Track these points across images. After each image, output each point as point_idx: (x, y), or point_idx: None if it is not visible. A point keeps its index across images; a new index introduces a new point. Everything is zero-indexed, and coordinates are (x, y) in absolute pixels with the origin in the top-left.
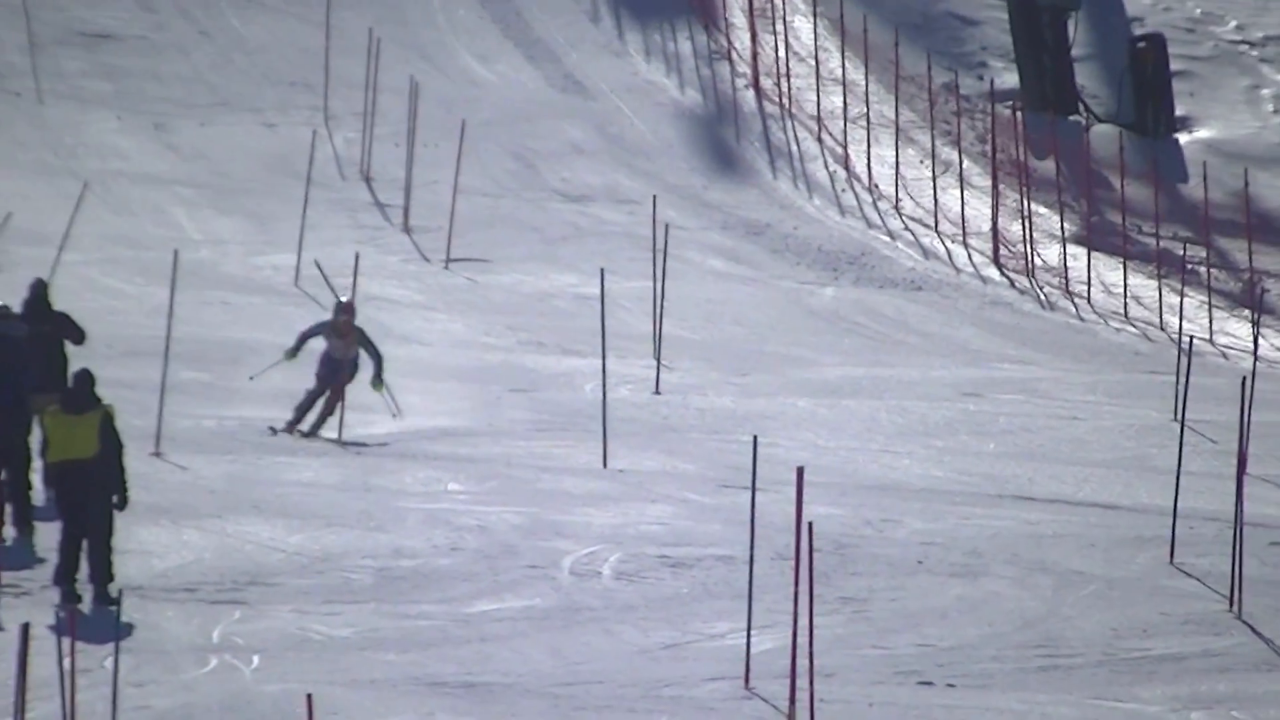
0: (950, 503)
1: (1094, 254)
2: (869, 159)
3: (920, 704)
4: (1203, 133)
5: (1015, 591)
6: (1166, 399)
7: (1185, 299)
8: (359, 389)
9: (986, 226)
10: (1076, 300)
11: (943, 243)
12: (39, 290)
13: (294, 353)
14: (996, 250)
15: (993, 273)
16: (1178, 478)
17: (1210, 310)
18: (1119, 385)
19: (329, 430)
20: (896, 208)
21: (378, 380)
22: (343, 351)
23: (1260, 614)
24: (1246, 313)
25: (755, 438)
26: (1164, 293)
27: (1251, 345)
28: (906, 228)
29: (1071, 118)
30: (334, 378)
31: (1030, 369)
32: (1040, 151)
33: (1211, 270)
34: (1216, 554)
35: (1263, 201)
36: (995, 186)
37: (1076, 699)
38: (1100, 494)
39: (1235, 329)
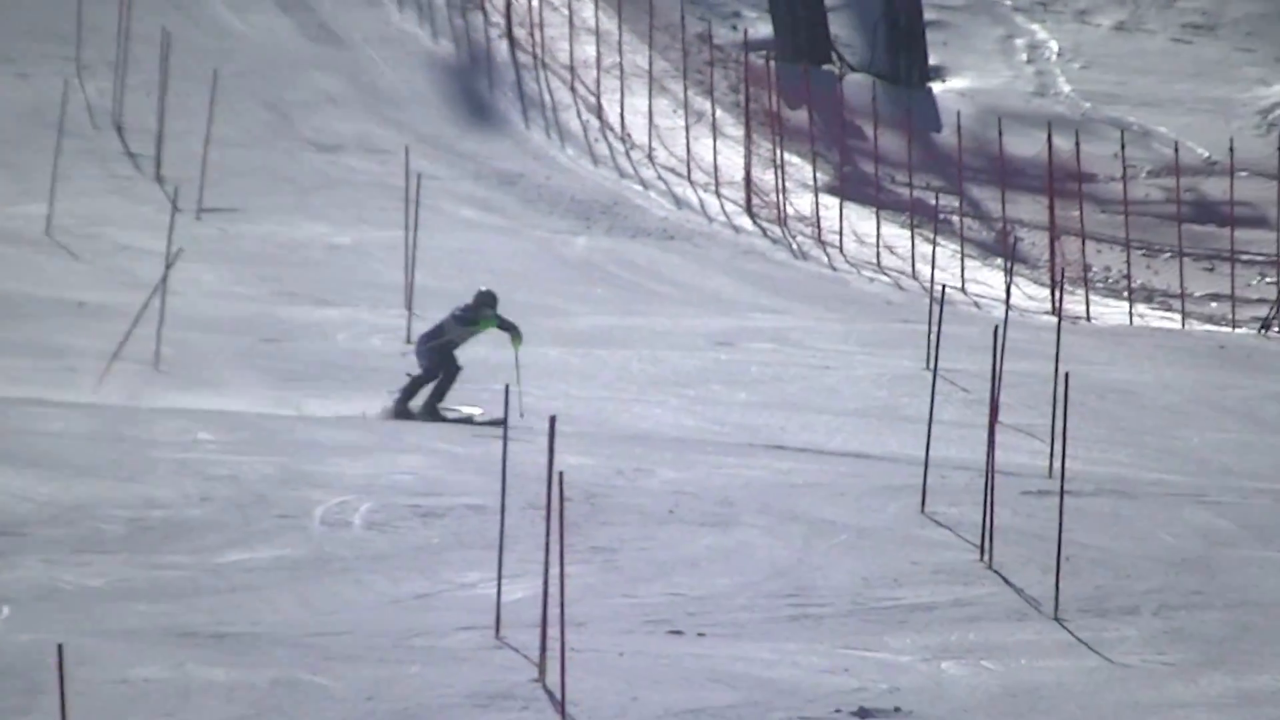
0: (702, 452)
1: (847, 203)
2: (622, 109)
3: (671, 653)
4: (956, 82)
5: (766, 540)
6: (919, 348)
7: (938, 248)
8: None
9: (739, 176)
10: (829, 250)
11: (695, 192)
12: None
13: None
14: (749, 200)
15: (745, 222)
16: (929, 427)
17: (963, 259)
18: (871, 334)
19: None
20: (650, 157)
21: (517, 338)
22: (457, 341)
23: (1010, 563)
24: (999, 262)
25: (507, 387)
26: (916, 242)
27: (1004, 294)
28: (660, 177)
29: (825, 67)
30: (437, 372)
31: (783, 318)
32: (794, 101)
33: (964, 219)
34: (968, 503)
35: (1015, 151)
36: (748, 136)
37: (827, 648)
38: (852, 443)
39: (988, 278)
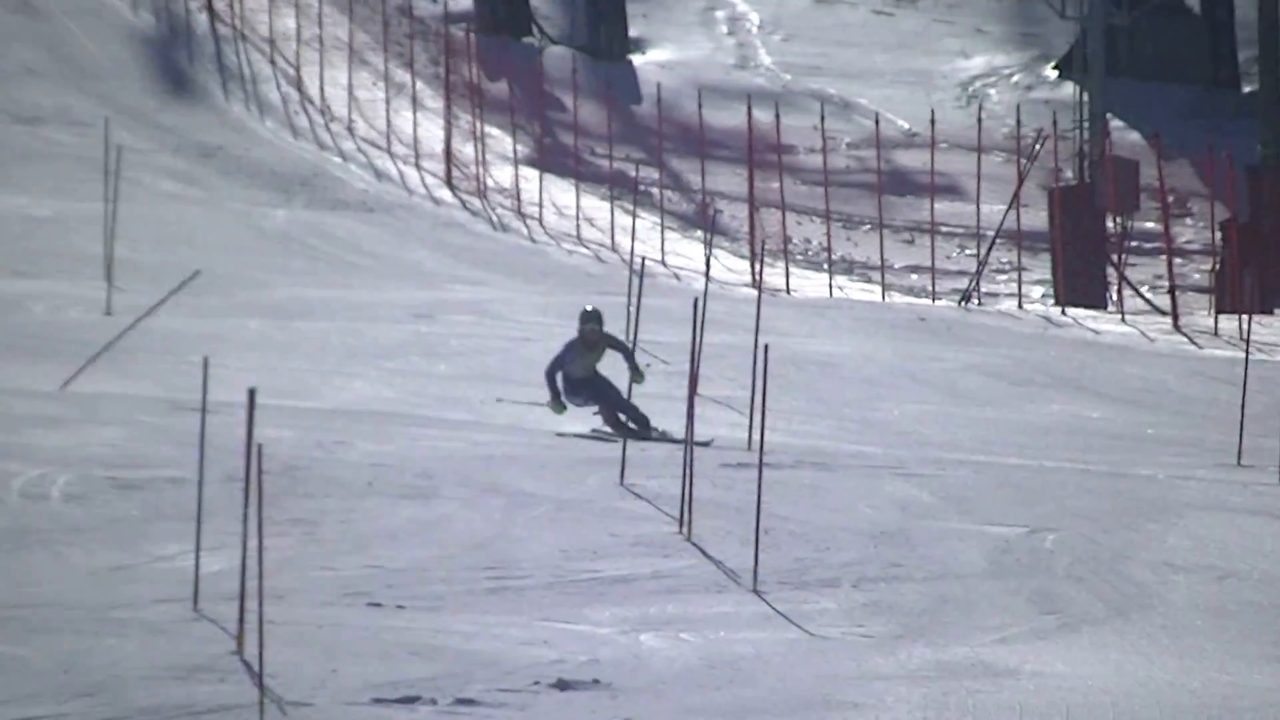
0: (401, 424)
1: (546, 175)
2: (322, 81)
3: (370, 625)
4: (657, 54)
5: (466, 513)
6: (619, 320)
7: (638, 220)
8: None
9: (439, 148)
10: (529, 222)
11: (396, 164)
12: None
13: (559, 404)
14: (449, 172)
15: (445, 194)
16: (629, 396)
17: (663, 232)
18: (571, 306)
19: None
20: (350, 129)
21: (636, 372)
22: (585, 370)
23: (709, 536)
24: (699, 234)
25: (205, 359)
26: (616, 214)
27: (704, 266)
28: (359, 150)
29: (525, 40)
30: (603, 396)
31: (482, 290)
32: (494, 73)
33: (664, 192)
34: (667, 476)
35: (716, 124)
36: (448, 108)
37: (526, 620)
38: (552, 415)
39: (688, 250)
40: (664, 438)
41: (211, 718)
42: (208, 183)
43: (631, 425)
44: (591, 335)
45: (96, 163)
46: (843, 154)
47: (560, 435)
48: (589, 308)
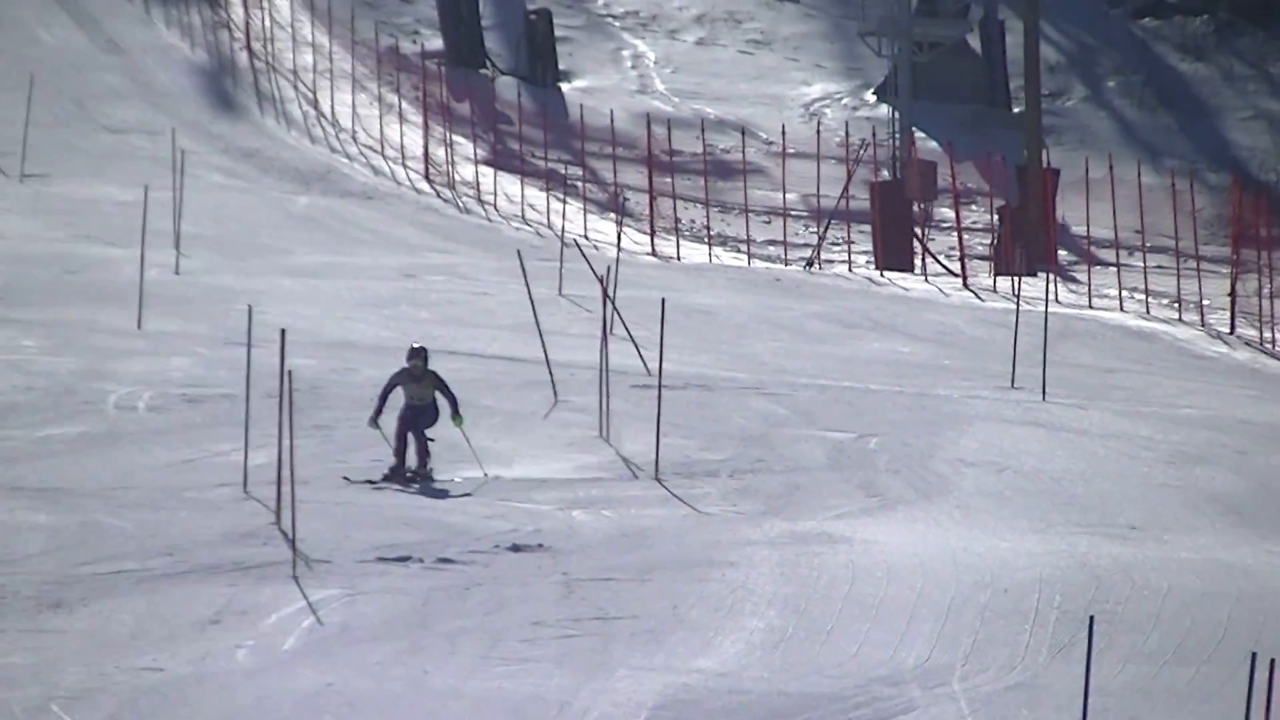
0: (393, 356)
1: (499, 172)
2: (332, 102)
3: (373, 503)
4: (580, 82)
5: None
6: (553, 279)
7: (566, 205)
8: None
9: (420, 151)
10: (486, 206)
11: (387, 164)
12: None
13: (375, 420)
14: (427, 169)
15: (424, 186)
16: (539, 335)
17: (585, 214)
18: (517, 269)
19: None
20: (353, 137)
21: (457, 417)
22: (420, 397)
23: (622, 438)
24: (612, 215)
25: (250, 307)
26: (551, 201)
27: (615, 240)
28: (360, 152)
29: (482, 71)
30: (417, 423)
31: (453, 257)
32: (459, 96)
33: (586, 184)
34: (591, 394)
35: (624, 134)
36: (426, 122)
37: (489, 500)
38: (504, 348)
39: (603, 228)
40: (424, 476)
41: (257, 571)
42: (248, 176)
43: (410, 467)
44: (415, 369)
45: (166, 161)
46: (717, 156)
47: (510, 359)
48: (415, 345)
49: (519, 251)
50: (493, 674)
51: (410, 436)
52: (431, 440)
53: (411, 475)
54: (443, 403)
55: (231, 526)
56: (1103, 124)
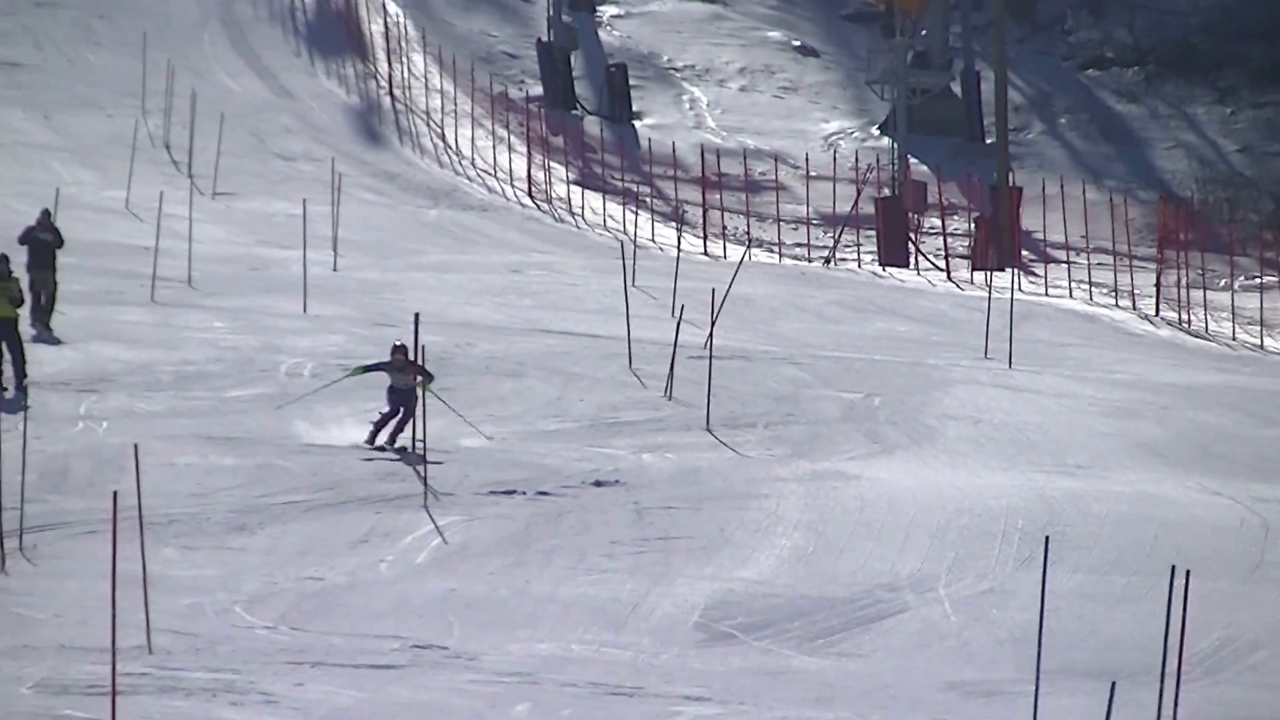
0: (504, 333)
1: (586, 191)
2: (456, 136)
3: (487, 449)
4: (649, 120)
5: (541, 386)
6: (628, 274)
7: (638, 216)
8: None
9: (524, 174)
10: (576, 216)
11: (499, 184)
12: (45, 214)
13: (359, 372)
14: (530, 188)
15: (527, 201)
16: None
17: (653, 223)
18: (600, 265)
19: (401, 442)
20: (472, 163)
21: (423, 380)
22: (404, 382)
23: (682, 398)
24: (674, 224)
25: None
26: (626, 213)
27: (676, 243)
28: (478, 175)
29: (573, 112)
30: (403, 403)
31: (550, 256)
32: (555, 131)
33: (653, 200)
34: (658, 363)
35: (683, 159)
36: (529, 152)
37: (577, 446)
38: (589, 328)
39: (666, 234)
40: (400, 453)
41: (397, 502)
42: (390, 194)
43: (388, 442)
44: (397, 361)
45: (325, 183)
46: (755, 178)
47: (593, 336)
48: (397, 342)
49: (622, 251)
50: (579, 582)
51: (392, 416)
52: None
53: (384, 447)
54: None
55: (377, 467)
56: (1057, 152)
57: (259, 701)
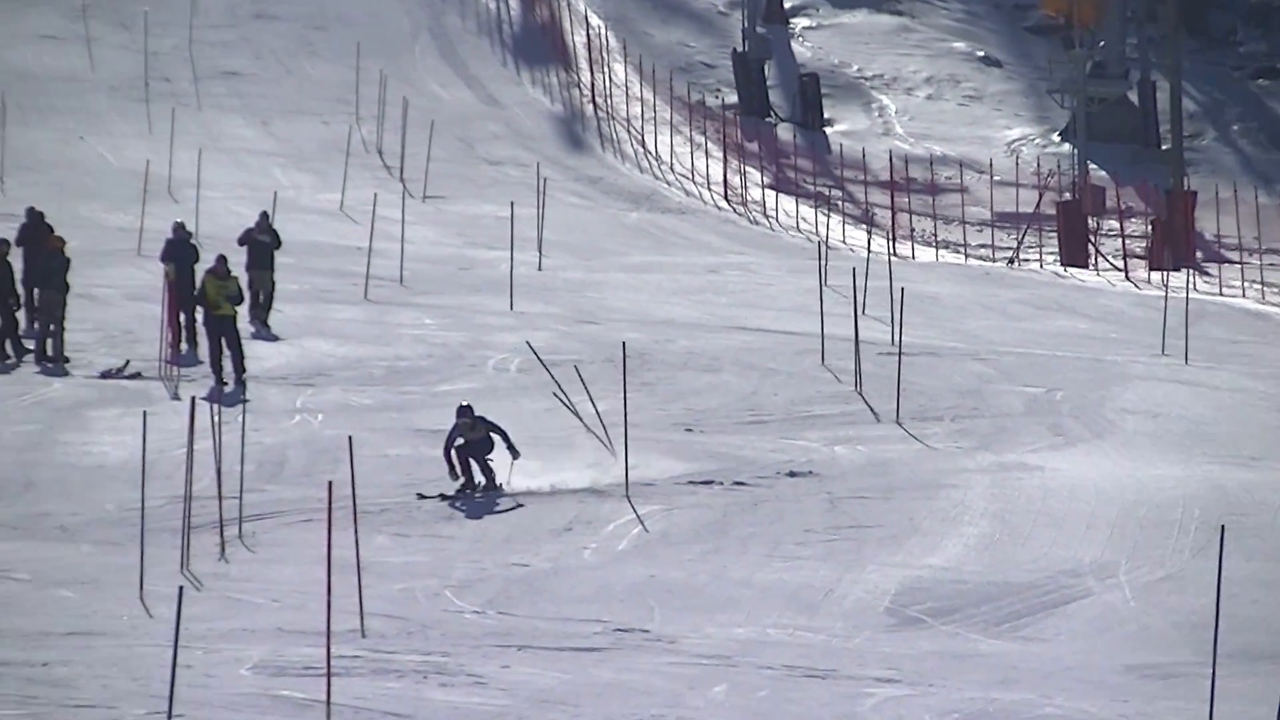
0: (701, 331)
1: (780, 194)
2: (656, 142)
3: (685, 441)
4: (840, 127)
5: (738, 380)
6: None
7: (829, 219)
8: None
9: (720, 178)
10: (770, 219)
11: (696, 188)
12: (264, 216)
13: (455, 473)
14: (726, 192)
15: (724, 204)
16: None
17: (843, 226)
18: (795, 266)
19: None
20: (671, 169)
21: (512, 450)
22: (472, 435)
23: (871, 392)
24: (864, 226)
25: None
26: (818, 215)
27: (865, 244)
28: (677, 179)
29: (767, 119)
30: (473, 455)
31: (745, 257)
32: (750, 137)
33: (844, 203)
34: (848, 358)
35: (872, 164)
36: (725, 157)
37: (772, 439)
38: (783, 325)
39: (856, 235)
40: (496, 489)
41: (600, 491)
42: (593, 198)
43: (480, 476)
44: (464, 426)
45: (531, 186)
46: (942, 182)
47: (788, 333)
48: (463, 404)
49: (817, 251)
50: (774, 568)
51: (472, 463)
52: (491, 460)
53: (483, 491)
54: (498, 440)
55: (581, 457)
56: (1228, 158)
57: (468, 683)
